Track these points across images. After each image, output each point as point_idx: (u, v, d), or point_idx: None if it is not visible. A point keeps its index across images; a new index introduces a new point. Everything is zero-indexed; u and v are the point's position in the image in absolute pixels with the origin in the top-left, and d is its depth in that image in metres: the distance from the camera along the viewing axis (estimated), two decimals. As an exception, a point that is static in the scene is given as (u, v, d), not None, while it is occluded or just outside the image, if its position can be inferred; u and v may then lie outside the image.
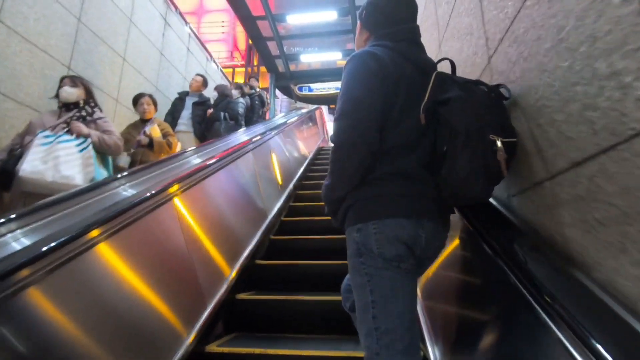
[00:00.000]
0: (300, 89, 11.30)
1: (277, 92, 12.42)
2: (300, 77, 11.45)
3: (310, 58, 10.73)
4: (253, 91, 5.73)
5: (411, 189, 0.98)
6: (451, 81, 1.01)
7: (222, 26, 23.47)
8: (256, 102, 5.52)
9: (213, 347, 1.56)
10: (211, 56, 6.79)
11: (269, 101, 6.75)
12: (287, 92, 12.14)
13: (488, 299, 1.00)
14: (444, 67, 1.14)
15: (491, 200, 1.11)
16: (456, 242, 1.26)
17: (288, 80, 11.47)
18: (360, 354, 1.18)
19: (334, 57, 10.51)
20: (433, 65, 1.12)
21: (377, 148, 0.97)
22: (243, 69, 23.22)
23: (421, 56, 1.13)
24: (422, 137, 1.02)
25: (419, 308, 1.64)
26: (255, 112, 5.31)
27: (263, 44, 10.43)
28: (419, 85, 1.03)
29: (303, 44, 11.04)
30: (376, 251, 0.95)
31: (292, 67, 11.36)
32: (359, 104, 0.97)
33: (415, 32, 1.15)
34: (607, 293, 0.63)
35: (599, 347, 0.53)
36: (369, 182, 0.99)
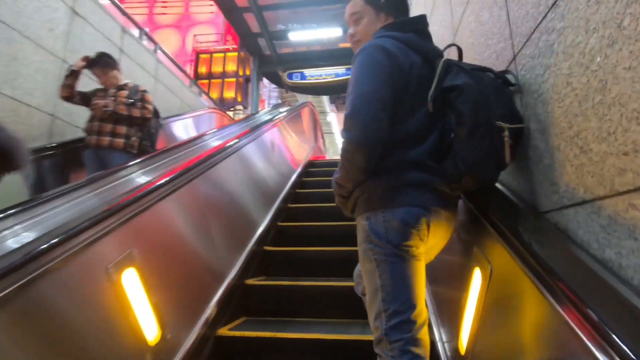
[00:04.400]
0: (290, 76, 8.89)
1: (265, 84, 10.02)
2: (291, 61, 9.06)
3: (302, 36, 8.22)
4: None
5: (419, 178, 1.01)
6: (458, 68, 1.01)
7: (211, 5, 21.04)
8: None
9: (224, 331, 1.61)
10: (138, 26, 4.35)
11: (145, 110, 2.59)
12: (276, 79, 9.71)
13: (492, 282, 0.98)
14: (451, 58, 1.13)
15: (497, 185, 1.14)
16: (461, 226, 1.23)
17: (275, 65, 9.06)
18: (368, 337, 1.17)
19: (333, 33, 8.01)
20: (440, 53, 1.14)
21: (387, 140, 0.99)
22: (235, 54, 20.94)
23: (429, 46, 1.15)
24: (431, 127, 1.04)
25: (426, 293, 1.67)
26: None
27: (239, 18, 8.02)
28: (427, 75, 1.05)
29: (294, 19, 8.46)
30: (385, 238, 0.99)
31: (288, 51, 8.97)
32: (369, 99, 0.98)
33: (424, 22, 1.17)
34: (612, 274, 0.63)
35: (615, 338, 0.49)
36: (378, 173, 1.02)
